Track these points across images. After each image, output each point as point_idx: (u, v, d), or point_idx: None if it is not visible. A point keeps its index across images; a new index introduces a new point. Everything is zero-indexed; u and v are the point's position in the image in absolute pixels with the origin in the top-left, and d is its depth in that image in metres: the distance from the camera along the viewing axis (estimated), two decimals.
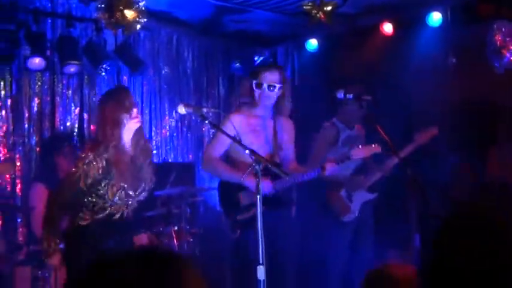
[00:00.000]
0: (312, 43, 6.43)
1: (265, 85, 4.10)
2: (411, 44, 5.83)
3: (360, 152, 4.32)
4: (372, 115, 4.48)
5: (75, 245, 3.55)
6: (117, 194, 3.54)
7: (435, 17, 5.63)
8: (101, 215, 3.54)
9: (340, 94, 4.40)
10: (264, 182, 3.97)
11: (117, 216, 3.58)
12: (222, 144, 4.17)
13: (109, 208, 3.55)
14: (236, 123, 4.03)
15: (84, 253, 3.46)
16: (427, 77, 5.56)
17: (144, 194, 3.66)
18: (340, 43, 6.30)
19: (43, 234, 3.53)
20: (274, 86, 4.11)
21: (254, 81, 4.15)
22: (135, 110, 3.56)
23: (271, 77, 4.11)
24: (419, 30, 5.83)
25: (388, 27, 5.91)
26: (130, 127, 3.54)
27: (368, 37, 6.15)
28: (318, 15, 5.00)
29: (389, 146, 4.12)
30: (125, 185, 3.54)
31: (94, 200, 3.53)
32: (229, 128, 3.95)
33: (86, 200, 3.52)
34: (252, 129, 4.12)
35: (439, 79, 5.55)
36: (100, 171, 3.45)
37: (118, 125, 3.48)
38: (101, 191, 3.51)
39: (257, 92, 4.14)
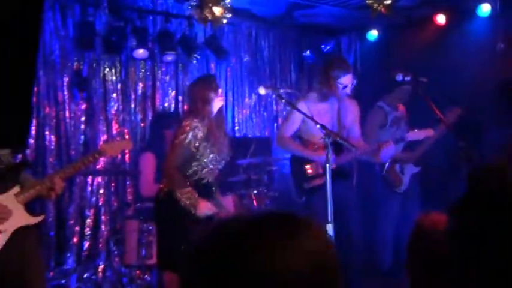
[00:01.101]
0: (373, 33, 6.38)
1: (340, 86, 4.14)
2: (462, 33, 5.73)
3: (416, 135, 4.34)
4: (427, 95, 4.48)
5: (168, 207, 3.55)
6: (211, 158, 3.61)
7: (485, 8, 5.51)
8: (193, 179, 3.60)
9: (399, 76, 4.40)
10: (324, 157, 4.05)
11: (205, 180, 3.63)
12: (293, 124, 4.23)
13: (200, 172, 3.60)
14: (306, 107, 4.11)
15: (177, 216, 3.49)
16: (476, 62, 5.47)
17: (223, 163, 3.72)
18: (398, 33, 6.24)
19: (179, 193, 3.49)
20: (348, 86, 4.17)
21: (337, 81, 4.14)
22: (220, 90, 3.70)
23: (346, 80, 4.15)
24: (470, 20, 5.73)
25: (441, 19, 5.81)
26: (216, 105, 3.67)
27: (423, 27, 6.08)
28: (379, 8, 5.00)
29: (442, 120, 4.13)
30: (215, 150, 3.62)
31: (195, 162, 3.59)
32: (302, 108, 4.05)
33: (191, 163, 3.59)
34: (319, 112, 4.12)
35: (487, 63, 5.44)
36: (203, 136, 3.55)
37: (208, 102, 3.61)
38: (199, 155, 3.58)
39: (338, 88, 4.15)
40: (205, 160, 3.60)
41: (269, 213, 0.93)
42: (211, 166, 3.64)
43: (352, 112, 4.37)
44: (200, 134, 3.55)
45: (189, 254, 0.88)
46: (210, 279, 0.83)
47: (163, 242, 3.63)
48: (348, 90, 4.19)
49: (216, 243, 0.87)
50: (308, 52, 6.53)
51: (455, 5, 5.71)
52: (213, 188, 3.72)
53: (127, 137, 5.47)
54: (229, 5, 5.05)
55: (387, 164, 4.92)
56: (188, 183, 3.55)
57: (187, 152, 3.55)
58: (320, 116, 4.09)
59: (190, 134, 3.53)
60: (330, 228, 3.35)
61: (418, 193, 5.08)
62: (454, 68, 5.57)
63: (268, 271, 0.81)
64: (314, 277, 0.84)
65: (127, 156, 5.56)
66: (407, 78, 4.37)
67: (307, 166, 4.25)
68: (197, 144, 3.55)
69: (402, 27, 6.13)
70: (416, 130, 4.39)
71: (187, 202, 3.46)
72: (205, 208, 3.50)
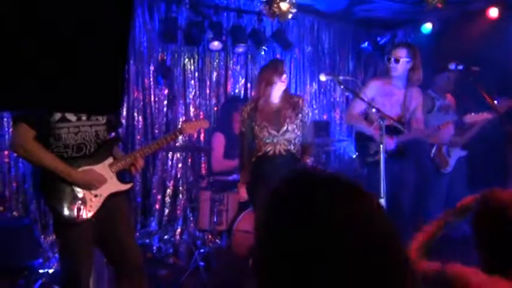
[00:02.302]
0: (427, 26, 6.10)
1: (392, 59, 4.02)
2: None
3: (474, 118, 4.17)
4: (478, 83, 4.24)
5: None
6: (263, 132, 3.62)
7: None
8: (260, 152, 3.64)
9: (453, 65, 4.20)
10: (387, 139, 3.97)
11: (270, 153, 3.62)
12: (361, 103, 4.14)
13: (263, 147, 3.62)
14: (374, 87, 4.04)
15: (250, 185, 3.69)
16: None
17: (289, 135, 3.63)
18: (451, 26, 5.93)
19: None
20: (399, 60, 4.01)
21: (387, 56, 4.10)
22: (284, 76, 3.63)
23: (397, 53, 4.02)
24: None
25: (493, 12, 5.46)
26: (278, 87, 3.63)
27: (475, 21, 5.73)
28: (434, 2, 4.77)
29: (494, 107, 3.92)
30: (267, 125, 3.62)
31: (256, 140, 3.67)
32: (368, 90, 4.00)
33: (254, 140, 3.68)
34: (386, 94, 4.08)
35: None
36: (247, 117, 3.68)
37: (271, 84, 3.59)
38: (253, 131, 3.67)
39: (388, 65, 4.07)
40: (261, 135, 3.64)
41: (339, 174, 0.92)
42: (270, 139, 3.63)
43: (416, 98, 4.24)
44: (244, 118, 3.67)
45: (273, 192, 0.89)
46: (285, 216, 0.84)
47: None
48: (401, 65, 3.99)
49: (293, 188, 0.88)
50: (366, 44, 6.35)
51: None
52: (277, 159, 3.65)
53: (202, 118, 5.53)
54: (294, 1, 4.98)
55: (435, 146, 4.74)
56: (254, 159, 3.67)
57: (244, 135, 3.72)
58: (388, 96, 4.07)
59: (241, 118, 3.71)
60: (382, 203, 3.28)
61: (464, 176, 4.87)
62: (505, 61, 5.23)
63: (329, 216, 0.82)
64: (368, 229, 0.83)
65: (202, 135, 5.64)
66: (460, 67, 4.16)
67: (369, 143, 4.21)
68: (247, 124, 3.68)
69: (456, 20, 5.82)
70: (473, 114, 4.19)
71: None
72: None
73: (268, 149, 3.64)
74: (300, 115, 3.68)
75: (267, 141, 3.63)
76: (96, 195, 2.77)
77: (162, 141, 3.02)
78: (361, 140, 4.24)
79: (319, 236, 0.80)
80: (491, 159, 4.97)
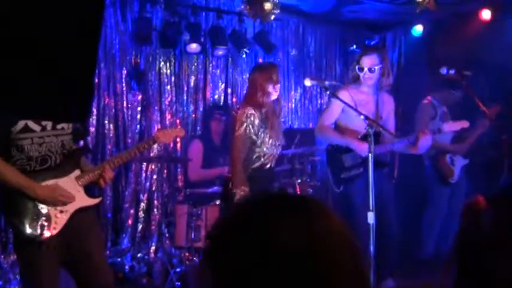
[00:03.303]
0: (418, 29, 6.20)
1: (365, 69, 4.03)
2: (507, 29, 5.49)
3: (451, 126, 4.25)
4: (471, 88, 4.34)
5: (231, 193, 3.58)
6: (269, 142, 3.61)
7: None
8: (256, 164, 3.62)
9: (444, 70, 4.30)
10: (362, 145, 3.98)
11: (268, 166, 3.64)
12: (333, 113, 4.18)
13: (262, 158, 3.61)
14: (345, 97, 4.01)
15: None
16: None
17: (280, 148, 3.72)
18: (443, 28, 6.04)
19: (235, 191, 3.50)
20: (374, 69, 4.03)
21: (357, 66, 4.09)
22: (278, 85, 3.65)
23: (370, 61, 4.02)
24: None
25: (486, 14, 5.59)
26: (272, 97, 3.67)
27: (468, 23, 5.85)
28: (424, 3, 4.85)
29: (486, 114, 4.01)
30: (273, 135, 3.62)
31: (258, 149, 3.62)
32: (344, 97, 3.99)
33: (254, 150, 3.62)
34: (357, 103, 4.09)
35: None
36: (260, 122, 3.56)
37: (266, 94, 3.61)
38: (260, 141, 3.59)
39: (360, 74, 4.06)
40: (266, 146, 3.61)
41: (282, 194, 1.03)
42: (271, 151, 3.67)
43: (387, 104, 4.28)
44: (257, 121, 3.56)
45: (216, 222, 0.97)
46: (228, 247, 0.91)
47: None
48: (376, 73, 4.01)
49: (234, 219, 0.95)
50: (355, 47, 6.41)
51: (501, 1, 5.47)
52: (271, 175, 3.72)
53: (179, 126, 5.50)
54: (277, 1, 5.02)
55: (438, 156, 4.83)
56: (250, 176, 3.59)
57: (248, 141, 3.58)
58: (361, 106, 4.05)
59: (248, 122, 3.55)
60: (370, 217, 3.30)
61: (465, 186, 4.96)
62: (498, 64, 5.34)
63: (271, 242, 0.87)
64: (313, 254, 0.88)
65: (178, 144, 5.62)
66: (452, 72, 4.26)
67: (344, 156, 4.20)
68: (256, 131, 3.58)
69: (447, 22, 5.93)
70: (451, 122, 4.29)
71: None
72: None
73: (267, 161, 3.65)
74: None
75: (269, 153, 3.65)
76: (61, 211, 2.74)
77: (134, 151, 3.00)
78: (334, 153, 4.23)
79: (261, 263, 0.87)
80: (489, 168, 5.06)
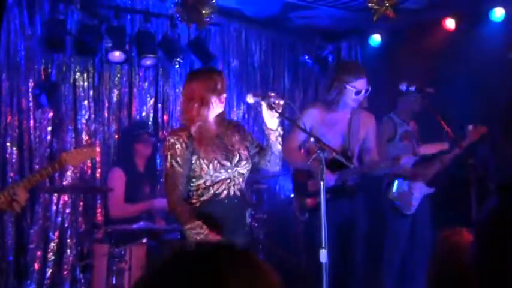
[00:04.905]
0: (375, 38, 6.37)
1: (362, 91, 4.13)
2: (473, 39, 5.70)
3: (428, 149, 4.33)
4: (433, 107, 4.44)
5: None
6: (211, 166, 3.33)
7: (498, 13, 5.50)
8: (205, 197, 3.36)
9: (403, 86, 4.39)
10: (327, 175, 3.99)
11: (224, 194, 3.36)
12: (298, 134, 4.17)
13: (212, 187, 3.36)
14: (312, 115, 4.08)
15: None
16: (488, 71, 5.43)
17: (245, 165, 3.44)
18: (403, 39, 6.22)
19: (186, 229, 3.28)
20: (366, 90, 4.16)
21: (348, 85, 4.13)
22: (224, 96, 3.42)
23: (363, 85, 4.14)
24: (482, 25, 5.70)
25: (450, 23, 5.80)
26: (215, 110, 3.41)
27: (430, 32, 6.05)
28: (381, 10, 4.97)
29: (451, 137, 4.10)
30: (217, 157, 3.36)
31: (196, 180, 3.37)
32: (306, 119, 3.99)
33: (191, 182, 3.38)
34: (326, 123, 4.14)
35: (500, 72, 5.40)
36: (185, 148, 3.32)
37: (207, 105, 3.34)
38: (195, 167, 3.34)
39: (353, 97, 4.14)
40: (206, 173, 3.34)
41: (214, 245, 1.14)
42: (222, 176, 3.38)
43: (365, 124, 4.33)
44: (179, 150, 3.33)
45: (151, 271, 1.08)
46: None
47: None
48: (361, 97, 4.15)
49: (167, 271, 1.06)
50: (306, 58, 6.50)
51: (466, 9, 5.69)
52: (237, 201, 3.43)
53: (97, 148, 5.38)
54: (215, 4, 5.03)
55: (396, 182, 4.87)
56: (199, 211, 3.34)
57: (178, 175, 3.34)
58: (329, 126, 4.11)
59: (169, 156, 3.33)
60: (323, 255, 3.26)
61: (429, 215, 5.03)
62: (464, 78, 5.53)
63: None
64: None
65: (98, 171, 5.52)
66: (412, 89, 4.36)
67: (309, 181, 4.25)
68: (181, 162, 3.34)
69: (407, 32, 6.12)
70: (429, 144, 4.37)
71: (197, 238, 3.23)
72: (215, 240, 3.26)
73: (220, 189, 3.39)
74: (250, 138, 3.54)
75: (219, 178, 3.38)
76: None
77: (35, 177, 2.86)
78: (299, 178, 4.28)
79: None
80: (455, 197, 5.17)
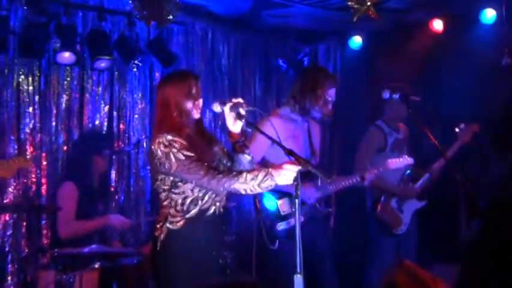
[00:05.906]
0: (356, 40, 6.42)
1: (330, 100, 4.24)
2: (462, 42, 5.77)
3: (393, 163, 4.37)
4: (419, 117, 4.45)
5: (169, 255, 3.31)
6: None
7: (489, 14, 5.58)
8: (192, 213, 3.30)
9: (386, 94, 4.41)
10: (308, 189, 3.99)
11: (210, 212, 3.33)
12: (260, 148, 4.14)
13: (199, 202, 3.31)
14: (276, 127, 4.01)
15: (179, 262, 3.27)
16: (478, 75, 5.49)
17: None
18: (386, 41, 6.28)
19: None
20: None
21: (320, 91, 4.20)
22: (200, 101, 3.41)
23: (333, 93, 4.26)
24: (472, 27, 5.78)
25: (438, 24, 5.88)
26: (192, 117, 3.41)
27: (416, 34, 6.12)
28: (362, 10, 4.99)
29: (437, 148, 4.13)
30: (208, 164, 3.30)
31: (181, 182, 3.30)
32: (269, 129, 3.93)
33: (175, 188, 3.31)
34: (291, 135, 4.14)
35: (490, 76, 5.47)
36: (185, 143, 3.26)
37: (185, 112, 3.34)
38: (178, 181, 3.29)
39: (320, 104, 4.22)
40: (190, 185, 3.30)
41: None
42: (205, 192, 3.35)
43: (317, 135, 4.43)
44: (182, 143, 3.24)
45: None
46: None
47: None
48: (330, 107, 4.26)
49: None
50: (280, 61, 6.50)
51: (454, 10, 5.76)
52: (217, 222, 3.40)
53: (43, 161, 5.37)
54: (178, 1, 5.00)
55: (379, 200, 4.88)
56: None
57: (193, 158, 3.23)
58: (294, 138, 4.20)
59: (175, 150, 3.23)
60: (298, 281, 3.23)
61: (414, 234, 5.04)
62: (452, 83, 5.59)
63: None
64: None
65: (43, 188, 5.45)
66: (396, 96, 4.37)
67: (280, 202, 4.21)
68: (189, 151, 3.24)
69: (391, 33, 6.17)
70: (395, 158, 4.45)
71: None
72: None
73: (207, 204, 3.33)
74: (226, 150, 3.53)
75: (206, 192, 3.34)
76: None
77: None
78: (266, 198, 4.23)
79: None
80: (443, 215, 5.21)
